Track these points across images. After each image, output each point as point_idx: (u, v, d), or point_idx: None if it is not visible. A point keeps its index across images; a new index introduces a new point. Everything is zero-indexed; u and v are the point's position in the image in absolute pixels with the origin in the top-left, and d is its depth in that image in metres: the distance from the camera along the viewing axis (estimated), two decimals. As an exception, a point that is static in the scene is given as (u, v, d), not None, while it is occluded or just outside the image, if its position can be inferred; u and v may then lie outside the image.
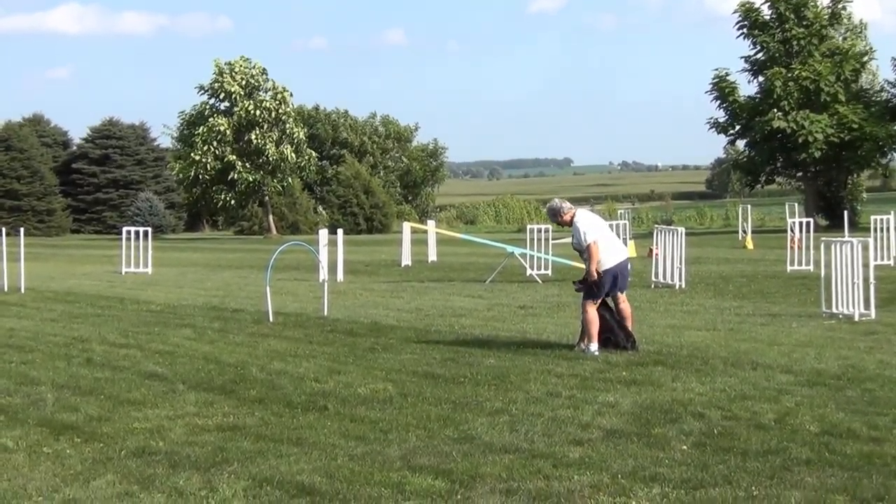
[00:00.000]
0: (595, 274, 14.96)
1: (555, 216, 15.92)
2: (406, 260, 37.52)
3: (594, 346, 14.87)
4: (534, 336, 17.25)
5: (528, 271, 30.02)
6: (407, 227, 40.37)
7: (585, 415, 10.99)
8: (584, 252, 15.25)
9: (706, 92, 69.91)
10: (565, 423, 10.66)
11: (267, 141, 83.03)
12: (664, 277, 26.39)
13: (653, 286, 26.24)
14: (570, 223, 15.50)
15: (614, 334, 15.28)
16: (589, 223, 15.40)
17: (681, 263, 26.15)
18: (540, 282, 28.56)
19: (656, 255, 27.35)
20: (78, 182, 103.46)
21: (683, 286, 25.77)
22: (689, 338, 16.71)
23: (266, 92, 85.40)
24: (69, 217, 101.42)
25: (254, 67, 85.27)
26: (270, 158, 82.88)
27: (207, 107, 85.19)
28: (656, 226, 31.31)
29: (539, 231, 32.23)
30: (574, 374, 13.38)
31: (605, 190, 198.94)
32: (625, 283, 15.76)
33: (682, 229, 27.32)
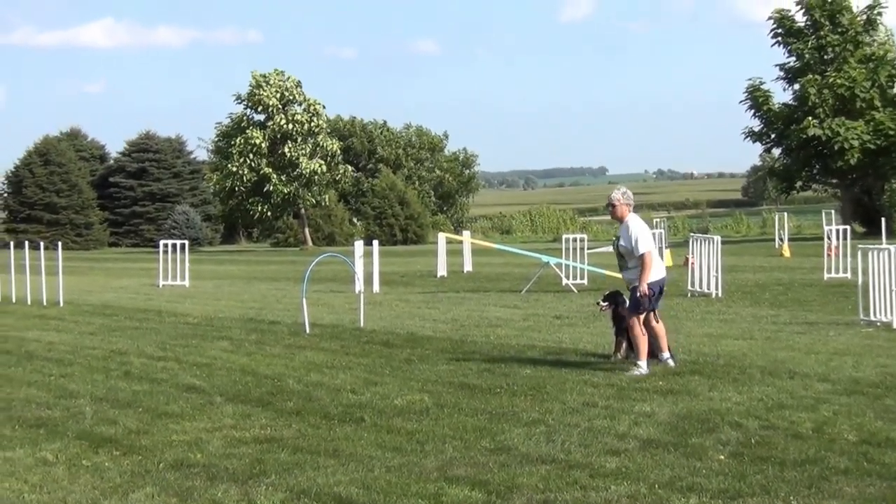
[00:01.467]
0: (646, 287, 14.20)
1: (610, 205, 14.99)
2: (442, 270, 37.55)
3: (643, 364, 14.18)
4: (570, 346, 17.23)
5: (564, 281, 29.99)
6: (442, 237, 40.40)
7: (622, 425, 10.98)
8: (628, 258, 14.55)
9: (740, 102, 69.69)
10: (602, 433, 10.65)
11: (300, 154, 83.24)
12: (700, 286, 26.31)
13: (689, 295, 26.18)
14: (621, 220, 14.73)
15: (650, 344, 15.24)
16: (645, 228, 14.62)
17: (717, 272, 26.07)
18: (576, 291, 28.53)
19: (692, 263, 27.27)
20: (115, 195, 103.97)
21: (720, 295, 25.69)
22: (725, 347, 16.66)
23: (299, 105, 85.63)
24: (107, 230, 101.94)
25: (288, 80, 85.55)
26: (304, 172, 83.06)
27: (244, 118, 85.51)
28: (692, 234, 31.21)
29: (574, 240, 32.21)
30: (610, 383, 13.37)
31: (640, 199, 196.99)
32: (661, 300, 15.06)
33: (717, 238, 27.23)
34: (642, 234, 14.44)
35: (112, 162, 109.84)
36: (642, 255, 14.28)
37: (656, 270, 14.51)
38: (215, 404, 12.69)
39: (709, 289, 26.01)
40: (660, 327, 14.72)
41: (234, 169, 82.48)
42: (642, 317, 14.43)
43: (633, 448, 10.05)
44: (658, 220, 73.28)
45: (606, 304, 15.82)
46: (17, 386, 14.48)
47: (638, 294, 14.26)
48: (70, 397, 13.41)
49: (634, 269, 14.46)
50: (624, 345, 15.40)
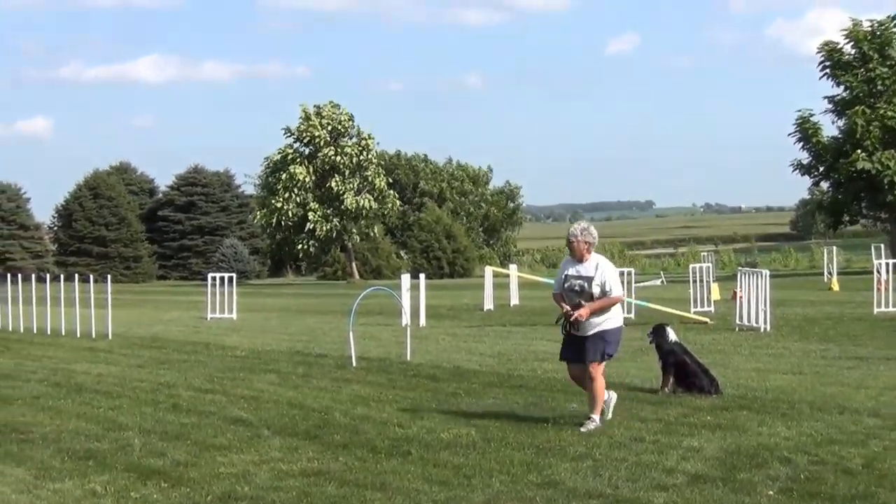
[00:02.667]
0: (587, 312, 12.76)
1: (568, 241, 13.28)
2: (489, 304, 37.52)
3: (596, 418, 12.95)
4: (616, 380, 17.13)
5: (611, 315, 29.83)
6: (489, 271, 40.42)
7: (670, 460, 10.93)
8: (597, 297, 12.87)
9: (789, 134, 69.40)
10: (649, 468, 10.61)
11: (346, 188, 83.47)
12: (749, 320, 26.16)
13: (737, 329, 26.04)
14: (580, 258, 13.12)
15: (698, 378, 15.20)
16: (616, 270, 13.40)
17: (765, 306, 25.92)
18: (623, 325, 28.38)
19: (740, 297, 27.13)
20: (164, 229, 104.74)
21: (768, 329, 25.54)
22: (774, 381, 16.56)
23: (351, 138, 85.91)
24: (155, 263, 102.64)
25: (342, 113, 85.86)
26: (350, 207, 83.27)
27: (291, 151, 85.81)
28: (740, 268, 31.07)
29: (621, 274, 32.05)
30: (658, 418, 13.31)
31: (687, 232, 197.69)
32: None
33: (766, 271, 27.10)
34: (616, 277, 13.14)
35: (161, 195, 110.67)
36: (613, 297, 12.97)
37: (619, 317, 13.26)
38: (262, 437, 12.73)
39: (757, 323, 25.86)
40: (602, 381, 13.26)
41: (280, 205, 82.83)
42: (602, 366, 13.17)
43: (681, 483, 10.00)
44: (705, 253, 73.04)
45: (651, 337, 15.78)
46: (66, 418, 14.57)
47: (575, 316, 12.82)
48: (119, 429, 13.48)
49: (600, 313, 12.90)
50: (672, 379, 15.34)
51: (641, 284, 33.49)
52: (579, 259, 13.12)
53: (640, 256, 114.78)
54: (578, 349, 13.08)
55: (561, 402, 14.88)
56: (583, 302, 12.88)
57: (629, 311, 30.70)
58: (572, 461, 10.98)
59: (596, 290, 12.87)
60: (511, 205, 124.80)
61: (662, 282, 59.39)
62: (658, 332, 15.80)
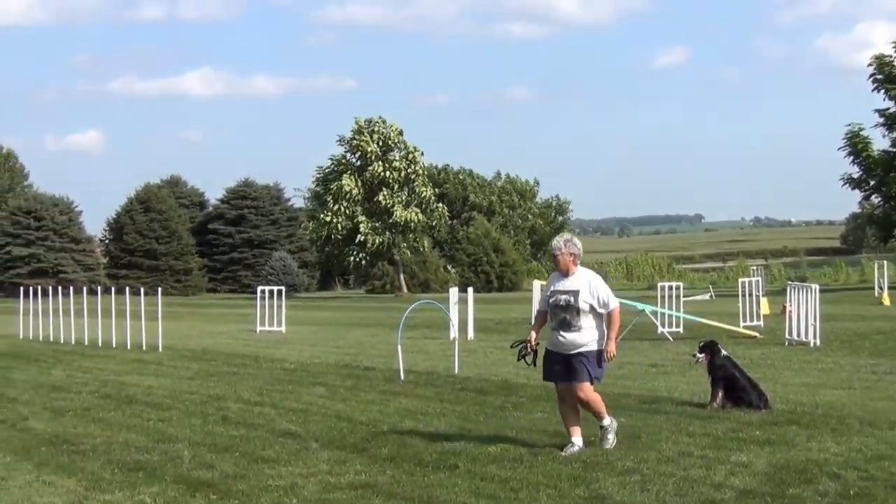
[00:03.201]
0: (615, 347, 12.45)
1: (552, 254, 12.77)
2: (536, 318, 37.41)
3: (607, 420, 12.68)
4: (665, 395, 17.12)
5: (659, 329, 29.80)
6: (537, 284, 40.33)
7: (718, 475, 10.88)
8: (577, 316, 12.25)
9: (839, 148, 68.97)
10: (697, 483, 10.56)
11: (395, 202, 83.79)
12: (798, 335, 26.01)
13: (786, 344, 25.89)
14: (566, 272, 12.51)
15: (747, 393, 15.13)
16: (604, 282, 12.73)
17: (815, 320, 25.77)
18: (671, 339, 28.34)
19: (790, 312, 26.97)
20: (214, 242, 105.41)
21: (818, 344, 25.38)
22: (824, 396, 16.46)
23: (399, 152, 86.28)
24: (205, 276, 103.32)
25: (390, 128, 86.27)
26: (398, 220, 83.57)
27: (343, 163, 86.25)
28: (789, 282, 30.89)
29: (670, 288, 32.04)
30: (706, 433, 13.25)
31: (737, 246, 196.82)
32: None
33: (816, 286, 26.96)
34: (608, 289, 12.54)
35: (211, 209, 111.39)
36: (612, 311, 12.38)
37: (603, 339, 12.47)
38: (311, 450, 12.78)
39: (807, 338, 25.71)
40: (595, 395, 12.70)
41: (329, 218, 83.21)
42: (563, 388, 12.55)
43: (730, 498, 9.96)
44: (755, 267, 72.69)
45: (703, 355, 15.71)
46: (116, 430, 14.69)
47: (611, 358, 12.47)
48: (168, 441, 13.57)
49: (586, 330, 12.29)
50: (720, 394, 15.28)
51: (690, 299, 33.36)
52: (565, 273, 12.48)
53: (689, 271, 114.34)
54: (564, 369, 12.43)
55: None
56: (573, 322, 12.20)
57: (678, 326, 30.60)
58: (620, 475, 10.95)
59: (584, 305, 12.21)
60: (560, 218, 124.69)
61: (711, 296, 59.14)
62: (707, 349, 15.73)
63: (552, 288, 12.53)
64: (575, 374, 12.36)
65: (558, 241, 12.56)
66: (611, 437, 12.54)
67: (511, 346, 13.06)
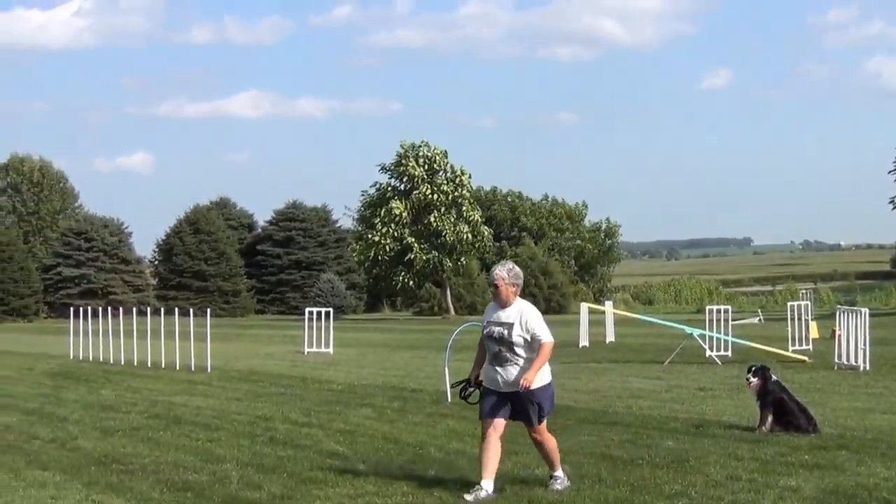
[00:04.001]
0: (533, 376, 11.29)
1: (493, 284, 11.71)
2: (584, 341, 37.45)
3: (561, 473, 11.86)
4: (713, 418, 17.04)
5: (708, 352, 29.67)
6: (584, 307, 40.31)
7: (766, 499, 10.82)
8: (514, 350, 11.42)
9: (890, 172, 68.48)
10: (746, 507, 10.51)
11: (445, 223, 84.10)
12: (847, 359, 25.83)
13: (836, 368, 25.72)
14: (505, 303, 11.68)
15: (796, 417, 15.05)
16: (540, 315, 11.80)
17: (864, 345, 25.58)
18: (719, 363, 28.20)
19: (839, 336, 26.79)
20: (262, 263, 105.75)
21: (867, 368, 25.19)
22: (873, 421, 16.34)
23: (445, 174, 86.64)
24: (253, 298, 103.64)
25: (434, 151, 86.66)
26: (448, 240, 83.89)
27: (388, 188, 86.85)
28: (839, 306, 30.70)
29: (718, 312, 31.90)
30: (755, 457, 13.19)
31: (786, 270, 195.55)
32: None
33: (865, 310, 26.77)
34: (542, 322, 11.58)
35: (259, 230, 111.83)
36: (542, 345, 11.40)
37: (546, 372, 11.66)
38: (358, 471, 12.80)
39: (856, 362, 25.52)
40: (551, 439, 11.89)
41: (378, 238, 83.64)
42: (490, 425, 11.67)
43: (778, 523, 9.90)
44: (804, 291, 72.21)
45: (756, 379, 15.63)
46: (165, 449, 14.78)
47: (525, 387, 11.27)
48: (216, 462, 13.64)
49: (525, 365, 11.37)
50: (769, 418, 15.20)
51: (738, 322, 33.22)
52: (503, 304, 11.62)
53: (737, 294, 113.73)
54: (497, 405, 11.58)
55: (656, 439, 14.80)
56: (508, 356, 11.40)
57: (726, 349, 30.44)
58: (667, 499, 10.91)
59: (517, 339, 11.36)
60: (608, 242, 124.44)
61: (760, 320, 58.80)
62: (759, 373, 15.66)
63: (487, 319, 11.74)
64: (523, 416, 11.60)
65: (500, 271, 11.64)
66: (559, 485, 11.65)
67: (452, 387, 12.14)
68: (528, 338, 11.41)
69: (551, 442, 11.79)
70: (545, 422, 11.70)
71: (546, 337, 11.42)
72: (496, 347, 11.52)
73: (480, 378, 11.90)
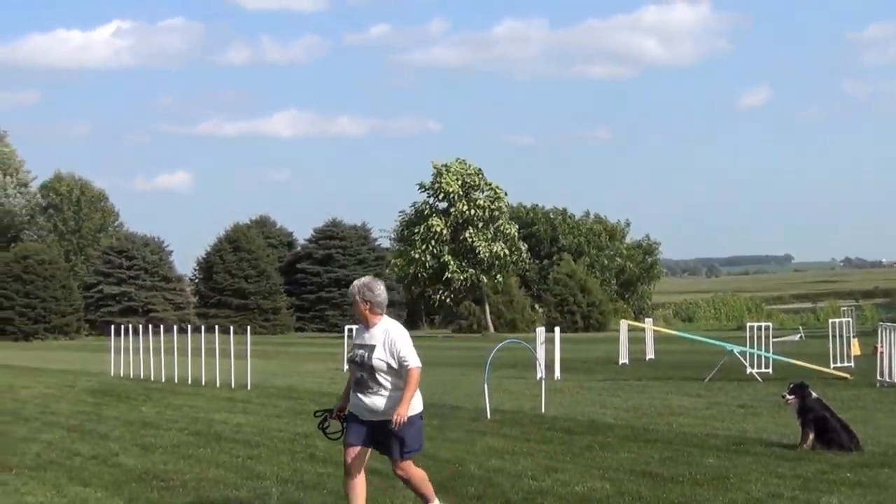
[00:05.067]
0: (406, 410, 10.22)
1: (359, 297, 10.56)
2: (623, 358, 37.35)
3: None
4: (754, 436, 16.95)
5: (749, 370, 29.51)
6: (624, 324, 40.20)
7: (808, 517, 10.75)
8: (383, 376, 10.37)
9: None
10: (787, 524, 10.44)
11: (480, 239, 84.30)
12: (890, 376, 25.66)
13: (878, 385, 25.56)
14: (367, 323, 10.60)
15: (838, 434, 14.96)
16: (409, 336, 10.63)
17: (907, 362, 25.40)
18: (760, 380, 28.05)
19: (881, 352, 26.60)
20: (302, 281, 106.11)
21: (911, 385, 25.02)
22: (917, 439, 16.20)
23: (482, 192, 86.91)
24: (293, 315, 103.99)
25: (469, 168, 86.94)
26: (483, 257, 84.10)
27: (427, 206, 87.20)
28: (881, 323, 30.43)
29: (759, 329, 31.74)
30: (797, 475, 13.11)
31: (827, 287, 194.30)
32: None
33: (908, 327, 26.56)
34: (410, 345, 10.46)
35: (299, 248, 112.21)
36: (409, 372, 10.30)
37: (419, 400, 10.58)
38: (397, 488, 12.77)
39: (899, 379, 25.35)
40: (417, 472, 10.82)
41: (417, 256, 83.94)
42: (352, 455, 10.62)
43: (820, 541, 9.84)
44: (846, 308, 71.77)
45: (793, 397, 15.56)
46: (205, 466, 14.83)
47: (399, 423, 10.15)
48: (256, 478, 13.68)
49: (391, 393, 10.37)
50: (811, 436, 15.11)
51: (779, 339, 33.07)
52: (366, 323, 10.56)
53: (778, 311, 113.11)
54: (359, 435, 10.57)
55: (697, 456, 14.74)
56: (370, 383, 10.38)
57: (767, 366, 30.29)
58: (708, 517, 10.86)
59: (378, 363, 10.29)
60: (648, 259, 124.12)
61: (801, 337, 58.47)
62: (797, 392, 15.58)
63: (354, 342, 10.70)
64: (385, 449, 10.51)
65: (353, 287, 10.61)
66: None
67: (314, 415, 11.27)
68: (394, 363, 10.29)
69: (418, 475, 10.68)
70: (411, 458, 10.52)
71: (414, 362, 10.32)
72: (358, 373, 10.46)
73: (345, 412, 10.83)
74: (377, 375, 10.30)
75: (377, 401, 10.34)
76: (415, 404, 10.35)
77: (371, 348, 10.34)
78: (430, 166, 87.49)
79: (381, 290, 10.55)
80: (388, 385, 10.32)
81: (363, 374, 10.38)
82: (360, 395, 10.46)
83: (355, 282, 10.65)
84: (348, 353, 10.77)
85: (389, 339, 10.35)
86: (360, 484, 10.59)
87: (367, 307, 10.44)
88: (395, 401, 10.22)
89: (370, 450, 10.60)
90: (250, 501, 12.16)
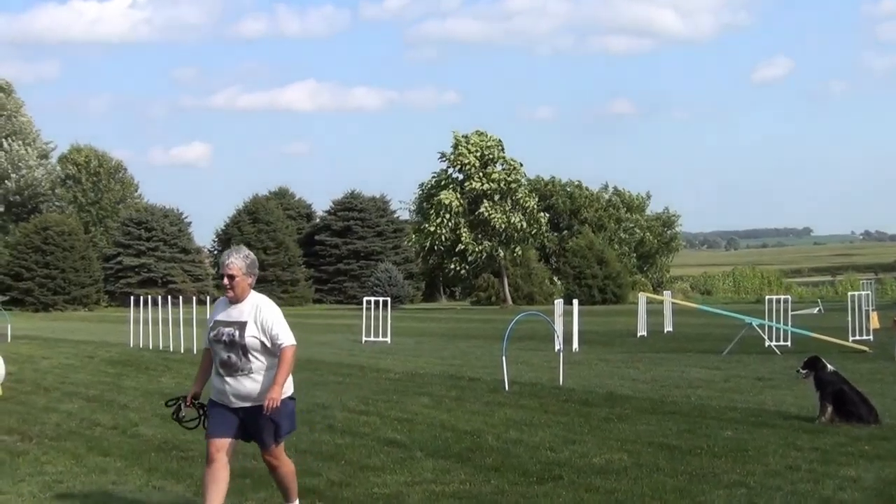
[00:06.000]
0: (280, 392, 9.26)
1: (227, 275, 9.54)
2: (642, 330, 37.33)
3: None
4: (772, 408, 16.93)
5: (767, 342, 29.47)
6: (643, 297, 40.17)
7: (826, 489, 10.75)
8: (252, 355, 9.32)
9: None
10: (805, 497, 10.44)
11: (496, 212, 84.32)
12: (909, 349, 25.59)
13: (897, 358, 25.50)
14: (239, 297, 9.56)
15: (856, 408, 14.93)
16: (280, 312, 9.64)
17: (927, 334, 25.34)
18: (779, 353, 28.01)
19: (901, 326, 26.52)
20: (320, 253, 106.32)
21: (930, 359, 24.95)
22: (935, 412, 16.16)
23: (500, 164, 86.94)
24: (312, 287, 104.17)
25: (489, 139, 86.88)
26: (499, 227, 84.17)
27: (445, 177, 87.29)
28: (901, 296, 30.37)
29: (778, 302, 31.68)
30: (815, 447, 13.10)
31: (846, 260, 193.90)
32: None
33: (928, 300, 26.48)
34: (283, 321, 9.52)
35: (318, 220, 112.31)
36: (284, 351, 9.36)
37: (290, 381, 9.58)
38: (416, 459, 12.83)
39: (918, 352, 25.28)
40: (288, 462, 9.98)
41: (433, 229, 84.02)
42: (216, 446, 9.48)
43: (838, 513, 9.83)
44: (864, 281, 71.55)
45: (805, 371, 15.52)
46: (225, 437, 14.85)
47: (271, 408, 9.19)
48: (275, 449, 13.69)
49: (263, 374, 9.38)
50: (830, 409, 15.08)
51: (798, 312, 33.00)
52: (235, 298, 9.52)
53: (797, 284, 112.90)
54: (226, 422, 9.51)
55: (715, 428, 14.73)
56: (240, 364, 9.34)
57: (786, 339, 30.23)
58: (726, 489, 10.86)
59: (251, 341, 9.30)
60: (668, 232, 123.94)
61: (820, 310, 58.34)
62: (811, 366, 15.54)
63: (215, 318, 9.57)
64: (257, 435, 9.57)
65: (235, 258, 9.56)
66: None
67: (166, 405, 10.15)
68: (266, 340, 9.33)
69: (288, 466, 9.86)
70: (283, 444, 9.72)
71: (288, 339, 9.36)
72: (225, 354, 9.34)
73: (200, 398, 9.89)
74: (250, 355, 9.29)
75: (248, 384, 9.34)
76: (288, 386, 9.42)
77: (241, 325, 9.31)
78: (448, 139, 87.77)
79: (257, 262, 9.80)
80: (262, 366, 9.33)
81: (231, 355, 9.31)
82: (227, 379, 9.38)
83: (233, 253, 9.62)
84: (209, 332, 9.50)
85: (261, 315, 9.37)
86: (223, 478, 9.49)
87: (251, 281, 9.59)
88: (269, 384, 9.26)
89: (235, 441, 9.57)
90: (268, 472, 12.17)
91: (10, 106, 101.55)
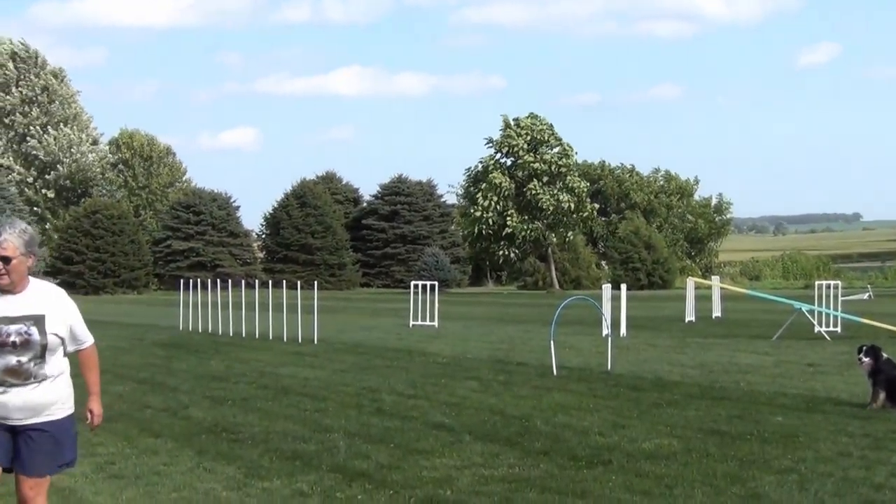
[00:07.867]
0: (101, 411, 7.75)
1: (16, 243, 7.13)
2: (690, 316, 37.18)
3: None
4: (823, 394, 16.83)
5: (817, 328, 29.29)
6: (691, 282, 40.00)
7: (879, 476, 10.67)
8: (58, 354, 7.36)
9: None
10: (857, 483, 10.37)
11: (545, 192, 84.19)
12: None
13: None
14: (21, 280, 7.25)
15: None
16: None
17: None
18: (829, 339, 27.83)
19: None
20: (367, 237, 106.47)
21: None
22: None
23: (551, 147, 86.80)
24: (359, 271, 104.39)
25: (541, 123, 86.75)
26: (547, 207, 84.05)
27: (492, 161, 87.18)
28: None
29: (828, 287, 31.46)
30: (866, 433, 13.00)
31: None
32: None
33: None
34: (78, 315, 7.57)
35: (365, 205, 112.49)
36: (87, 351, 7.66)
37: (69, 397, 7.52)
38: (464, 442, 12.84)
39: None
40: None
41: (480, 214, 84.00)
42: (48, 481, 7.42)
43: (891, 500, 9.76)
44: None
45: (868, 359, 15.36)
46: (273, 419, 14.94)
47: (96, 424, 7.77)
48: (324, 431, 13.75)
49: (54, 383, 7.37)
50: (882, 395, 14.97)
51: (847, 298, 32.78)
52: (12, 287, 7.22)
53: (846, 270, 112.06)
54: (7, 448, 7.32)
55: (765, 414, 14.66)
56: (33, 368, 7.23)
57: (836, 325, 30.03)
58: (777, 474, 10.80)
59: (54, 340, 7.30)
60: (719, 218, 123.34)
61: (870, 296, 57.94)
62: (871, 353, 15.41)
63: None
64: (30, 460, 7.32)
65: (8, 234, 7.18)
66: None
67: None
68: (68, 339, 7.45)
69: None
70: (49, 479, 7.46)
71: (91, 338, 7.68)
72: (13, 358, 7.17)
73: None
74: (47, 358, 7.29)
75: (37, 395, 7.28)
76: (69, 400, 7.52)
77: (36, 320, 7.20)
78: (493, 124, 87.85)
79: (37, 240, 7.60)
80: (56, 371, 7.37)
81: (22, 359, 7.18)
82: (13, 389, 7.22)
83: (6, 231, 7.19)
84: None
85: (61, 306, 7.42)
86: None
87: (31, 263, 7.34)
88: (62, 392, 7.41)
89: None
90: (318, 454, 12.23)
91: (61, 92, 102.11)
